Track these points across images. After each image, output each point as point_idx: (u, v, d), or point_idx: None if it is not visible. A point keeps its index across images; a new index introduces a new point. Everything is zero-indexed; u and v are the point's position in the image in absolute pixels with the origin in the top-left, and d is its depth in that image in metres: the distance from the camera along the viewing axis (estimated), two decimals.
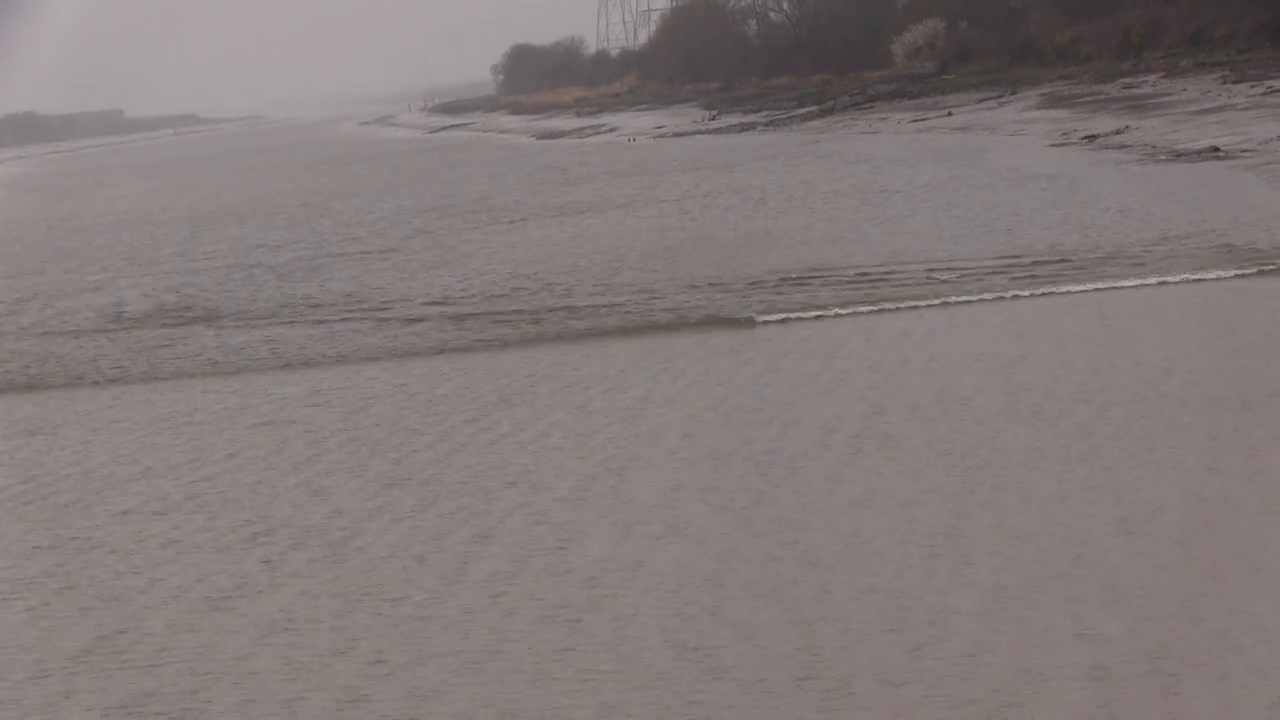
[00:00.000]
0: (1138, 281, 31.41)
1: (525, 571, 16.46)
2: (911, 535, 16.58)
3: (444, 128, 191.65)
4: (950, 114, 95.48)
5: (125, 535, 19.23)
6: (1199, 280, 31.01)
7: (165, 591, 16.80)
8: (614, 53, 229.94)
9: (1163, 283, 31.08)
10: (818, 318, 30.97)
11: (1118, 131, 69.06)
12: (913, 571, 15.43)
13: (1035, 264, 34.82)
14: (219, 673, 14.30)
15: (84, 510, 20.72)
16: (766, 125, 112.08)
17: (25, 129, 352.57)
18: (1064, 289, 31.42)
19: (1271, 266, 31.83)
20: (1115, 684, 12.49)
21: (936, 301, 31.54)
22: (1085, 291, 31.06)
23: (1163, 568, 15.06)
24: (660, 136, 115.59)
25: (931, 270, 35.37)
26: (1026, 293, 31.37)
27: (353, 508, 19.60)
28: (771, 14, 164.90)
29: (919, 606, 14.45)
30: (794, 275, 36.53)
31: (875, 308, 31.48)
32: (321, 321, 36.14)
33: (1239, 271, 31.38)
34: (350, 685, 13.77)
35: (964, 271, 34.87)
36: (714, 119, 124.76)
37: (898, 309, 31.18)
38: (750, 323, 31.12)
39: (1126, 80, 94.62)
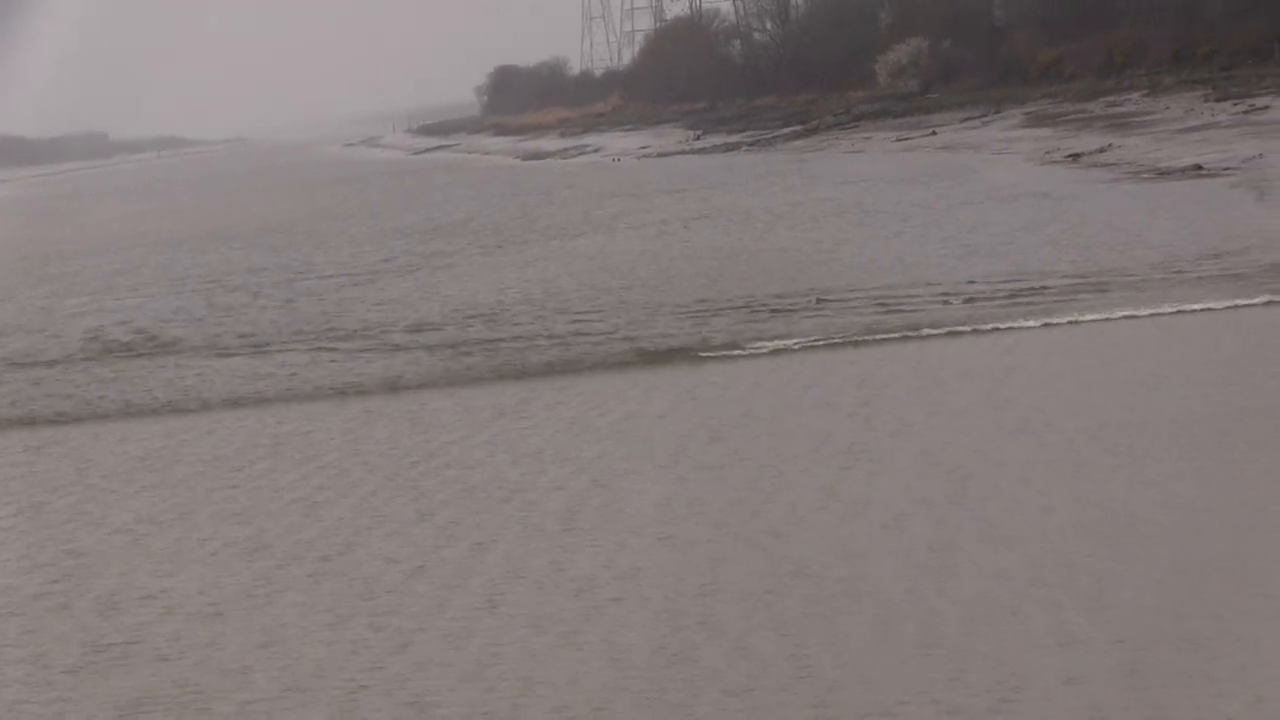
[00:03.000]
0: (1130, 310, 30.98)
1: (520, 583, 16.72)
2: (900, 545, 16.87)
3: (429, 149, 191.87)
4: (934, 133, 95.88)
5: (124, 550, 19.48)
6: (1194, 310, 30.78)
7: (165, 603, 17.04)
8: (598, 73, 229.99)
9: (1155, 313, 30.73)
10: (810, 345, 30.89)
11: (1101, 150, 69.42)
12: (901, 581, 15.71)
13: (1029, 289, 34.62)
14: (217, 683, 14.55)
15: (83, 528, 20.98)
16: (751, 145, 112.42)
17: (10, 153, 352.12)
18: (1057, 317, 31.19)
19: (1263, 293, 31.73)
20: (1097, 689, 12.75)
21: (925, 329, 31.69)
22: (1079, 321, 30.87)
23: (1145, 576, 15.33)
24: (645, 157, 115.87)
25: (926, 292, 35.57)
26: (1021, 322, 31.03)
27: (348, 523, 19.83)
28: (755, 34, 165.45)
29: (906, 615, 14.71)
30: (783, 298, 36.75)
31: (865, 333, 31.60)
32: (312, 349, 36.22)
33: (1231, 303, 30.85)
34: (348, 694, 14.01)
35: (957, 295, 34.98)
36: (698, 139, 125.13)
37: (886, 335, 31.35)
38: (734, 348, 31.10)
39: (1110, 99, 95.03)
